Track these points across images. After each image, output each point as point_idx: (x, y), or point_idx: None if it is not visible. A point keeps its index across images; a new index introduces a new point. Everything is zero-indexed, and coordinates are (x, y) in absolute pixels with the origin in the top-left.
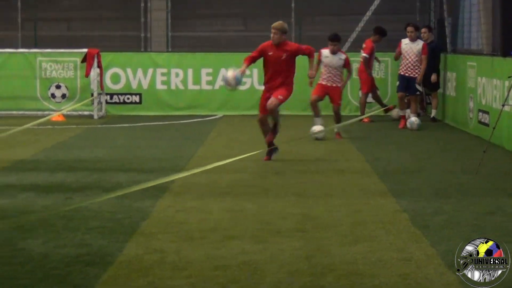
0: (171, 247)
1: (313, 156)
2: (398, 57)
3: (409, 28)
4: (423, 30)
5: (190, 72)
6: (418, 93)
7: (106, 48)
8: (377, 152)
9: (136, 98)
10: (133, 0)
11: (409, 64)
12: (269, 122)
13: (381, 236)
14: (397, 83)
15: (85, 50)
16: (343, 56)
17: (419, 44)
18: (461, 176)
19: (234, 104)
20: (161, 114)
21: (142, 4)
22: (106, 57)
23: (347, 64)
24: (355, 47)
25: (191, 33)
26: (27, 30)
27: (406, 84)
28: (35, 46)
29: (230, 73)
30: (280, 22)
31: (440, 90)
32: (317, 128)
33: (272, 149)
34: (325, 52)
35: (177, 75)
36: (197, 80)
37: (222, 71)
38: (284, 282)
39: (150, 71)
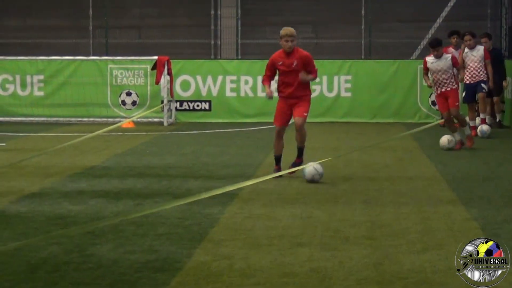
0: (239, 253)
1: (382, 163)
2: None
3: (467, 37)
4: (483, 40)
5: (259, 79)
6: (484, 90)
7: (176, 56)
8: (447, 159)
9: (206, 105)
10: (203, 7)
11: (473, 71)
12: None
13: (451, 244)
14: (463, 93)
15: (156, 57)
16: (449, 56)
17: (480, 49)
18: None
19: None
20: (231, 121)
21: (212, 12)
22: (176, 64)
23: (455, 62)
24: (426, 55)
25: (261, 40)
26: (98, 38)
27: (472, 91)
28: (106, 54)
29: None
30: (290, 28)
31: (508, 96)
32: (445, 140)
33: (280, 168)
34: (429, 58)
35: (246, 82)
36: None
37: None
38: None
39: (220, 78)
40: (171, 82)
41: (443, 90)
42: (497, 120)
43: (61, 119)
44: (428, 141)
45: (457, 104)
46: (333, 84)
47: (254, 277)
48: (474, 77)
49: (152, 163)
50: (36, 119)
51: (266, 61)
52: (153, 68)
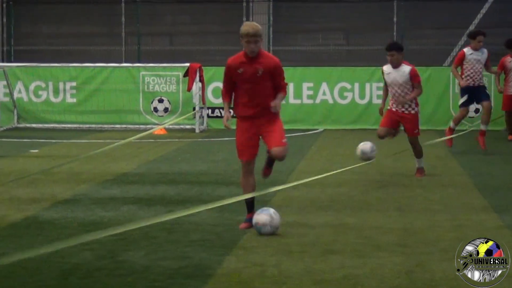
0: (271, 260)
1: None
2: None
3: (480, 38)
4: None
5: (291, 86)
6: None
7: (208, 63)
8: (480, 166)
9: None
10: (235, 14)
11: (475, 74)
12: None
13: None
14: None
15: (188, 64)
16: (408, 68)
17: (484, 52)
18: None
19: (335, 118)
20: None
21: (244, 19)
22: (208, 71)
23: (414, 78)
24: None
25: (293, 47)
26: (130, 45)
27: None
28: (139, 61)
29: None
30: (255, 24)
31: None
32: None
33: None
34: (386, 68)
35: None
36: (298, 94)
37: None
38: None
39: None
40: (203, 89)
41: (398, 110)
42: None
43: (93, 125)
44: (461, 148)
45: (416, 131)
46: (365, 91)
47: (285, 284)
48: (475, 80)
49: (184, 170)
50: (69, 125)
51: (298, 68)
52: (185, 75)
